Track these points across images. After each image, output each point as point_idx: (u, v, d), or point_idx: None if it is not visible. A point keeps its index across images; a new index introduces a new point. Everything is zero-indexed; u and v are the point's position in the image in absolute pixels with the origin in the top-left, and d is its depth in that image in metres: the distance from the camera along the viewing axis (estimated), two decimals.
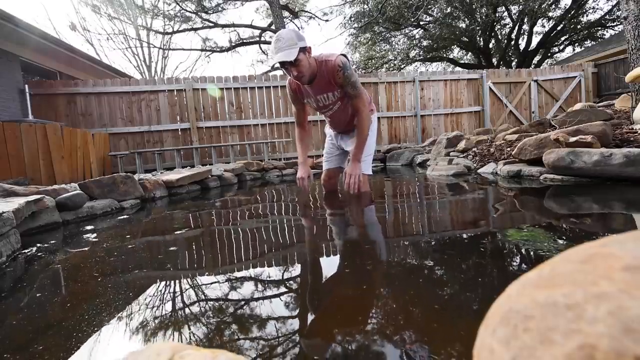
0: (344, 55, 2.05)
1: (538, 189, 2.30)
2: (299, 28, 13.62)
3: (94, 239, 1.66)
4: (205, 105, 7.01)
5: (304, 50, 1.91)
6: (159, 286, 1.00)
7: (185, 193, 3.37)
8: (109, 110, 6.58)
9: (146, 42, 15.66)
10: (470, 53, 15.46)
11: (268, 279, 1.04)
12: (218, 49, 12.78)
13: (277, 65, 1.91)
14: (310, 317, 0.79)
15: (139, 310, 0.86)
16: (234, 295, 0.91)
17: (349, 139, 2.43)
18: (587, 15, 12.80)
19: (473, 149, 4.34)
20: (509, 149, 3.60)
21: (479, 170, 3.44)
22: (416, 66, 15.42)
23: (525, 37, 13.57)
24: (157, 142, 6.79)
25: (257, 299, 0.88)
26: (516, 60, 14.01)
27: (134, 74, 16.12)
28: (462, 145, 4.55)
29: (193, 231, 1.72)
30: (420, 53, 14.59)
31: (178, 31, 12.07)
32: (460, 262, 1.07)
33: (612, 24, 12.59)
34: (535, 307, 0.26)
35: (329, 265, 1.16)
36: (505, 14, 13.20)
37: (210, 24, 11.66)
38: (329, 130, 2.62)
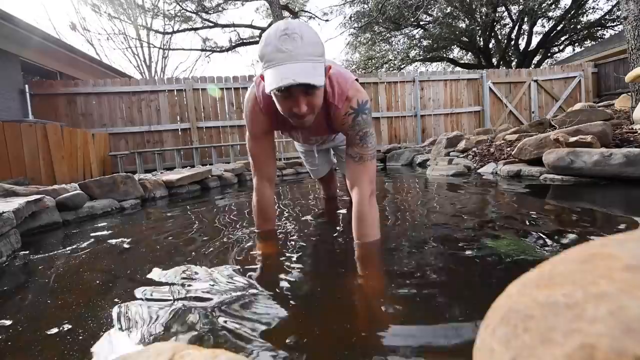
0: (357, 82, 1.27)
1: (538, 189, 2.30)
2: None
3: (94, 239, 1.66)
4: (205, 105, 7.02)
5: (325, 70, 1.08)
6: (159, 286, 1.00)
7: (186, 193, 3.37)
8: (109, 110, 6.59)
9: (146, 42, 15.66)
10: (470, 53, 15.46)
11: (268, 279, 1.04)
12: (218, 49, 12.79)
13: (274, 89, 0.98)
14: (311, 317, 0.79)
15: (140, 310, 0.86)
16: (234, 295, 0.91)
17: (329, 141, 1.78)
18: (587, 15, 12.81)
19: (473, 149, 4.34)
20: (508, 149, 3.60)
21: (479, 170, 3.44)
22: (416, 66, 15.43)
23: (525, 37, 13.57)
24: (157, 142, 6.80)
25: (257, 299, 0.88)
26: (516, 60, 14.01)
27: (134, 74, 16.12)
28: (462, 145, 4.55)
29: (193, 231, 1.72)
30: (420, 53, 14.59)
31: (178, 31, 12.08)
32: (455, 262, 1.07)
33: (612, 24, 12.59)
34: (535, 307, 0.26)
35: (327, 264, 1.16)
36: (505, 14, 13.20)
37: (210, 24, 11.66)
38: (301, 147, 2.04)
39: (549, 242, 1.17)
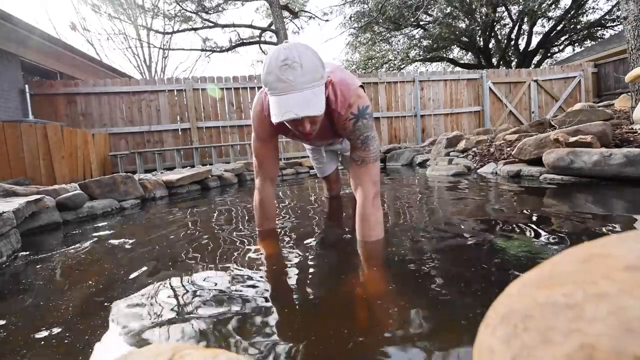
0: (362, 87, 1.30)
1: (538, 189, 2.30)
2: (298, 28, 13.62)
3: (94, 239, 1.66)
4: (205, 105, 7.02)
5: (327, 84, 1.13)
6: (159, 286, 1.00)
7: (186, 193, 3.37)
8: (109, 110, 6.59)
9: (146, 42, 15.65)
10: (470, 53, 15.46)
11: (269, 279, 1.04)
12: (218, 49, 12.77)
13: (281, 117, 1.03)
14: (311, 317, 0.79)
15: (139, 310, 0.86)
16: (234, 296, 0.91)
17: (336, 144, 1.91)
18: (587, 15, 12.81)
19: (473, 149, 4.34)
20: (508, 149, 3.60)
21: (478, 170, 3.44)
22: (416, 66, 15.43)
23: (525, 37, 13.58)
24: (157, 142, 6.80)
25: (258, 300, 0.88)
26: (516, 60, 14.02)
27: (134, 74, 16.11)
28: (462, 145, 4.55)
29: (193, 231, 1.72)
30: (420, 53, 14.59)
31: (178, 31, 12.06)
32: (462, 262, 1.07)
33: (612, 24, 12.60)
34: (535, 307, 0.26)
35: (329, 264, 1.16)
36: (505, 14, 13.21)
37: (210, 24, 11.65)
38: (309, 145, 2.08)
39: (558, 242, 1.17)
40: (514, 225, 1.42)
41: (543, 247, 1.12)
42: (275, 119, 1.04)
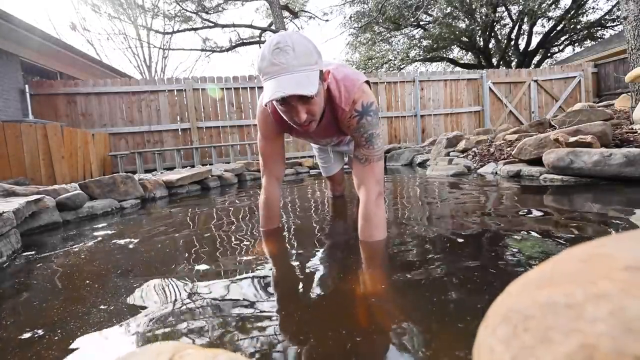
0: (368, 83, 1.28)
1: (538, 189, 2.30)
2: (299, 28, 13.62)
3: (94, 239, 1.66)
4: (205, 105, 7.02)
5: (322, 75, 1.10)
6: (159, 286, 1.00)
7: (186, 193, 3.37)
8: (109, 110, 6.59)
9: (146, 42, 15.67)
10: (470, 53, 15.47)
11: (270, 278, 1.04)
12: (218, 49, 12.79)
13: (273, 97, 1.01)
14: (311, 317, 0.79)
15: (139, 310, 0.86)
16: (235, 295, 0.91)
17: (343, 145, 1.94)
18: (587, 15, 12.82)
19: (473, 149, 4.34)
20: (508, 149, 3.60)
21: (478, 170, 3.44)
22: (416, 66, 15.43)
23: (525, 37, 13.59)
24: (157, 142, 6.80)
25: (258, 299, 0.88)
26: (516, 60, 14.02)
27: (134, 74, 16.11)
28: (462, 145, 4.56)
29: (193, 231, 1.72)
30: (420, 53, 14.60)
31: (178, 31, 12.09)
32: (459, 261, 1.07)
33: (612, 24, 12.60)
34: (535, 307, 0.26)
35: (331, 264, 1.16)
36: (505, 14, 13.21)
37: (210, 24, 11.67)
38: (316, 144, 2.06)
39: (568, 241, 1.16)
40: (520, 225, 1.42)
41: (555, 247, 1.11)
42: (265, 100, 1.04)
